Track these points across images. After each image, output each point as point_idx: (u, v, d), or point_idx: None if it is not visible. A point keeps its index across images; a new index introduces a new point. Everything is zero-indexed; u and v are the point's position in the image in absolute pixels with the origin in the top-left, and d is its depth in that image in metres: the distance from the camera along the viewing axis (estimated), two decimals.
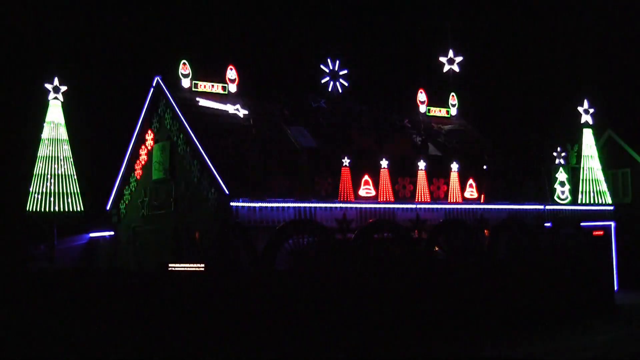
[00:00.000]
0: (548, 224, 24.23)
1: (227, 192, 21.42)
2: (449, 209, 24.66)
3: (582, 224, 24.72)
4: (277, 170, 22.41)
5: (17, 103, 39.36)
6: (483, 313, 20.22)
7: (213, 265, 19.05)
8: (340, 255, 19.00)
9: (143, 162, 26.60)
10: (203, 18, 44.61)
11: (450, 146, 28.35)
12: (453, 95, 31.15)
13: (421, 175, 24.46)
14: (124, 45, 42.74)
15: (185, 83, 25.04)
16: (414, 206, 23.79)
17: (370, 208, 22.92)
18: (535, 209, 26.50)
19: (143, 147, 26.60)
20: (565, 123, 32.83)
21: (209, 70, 25.86)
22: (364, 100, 28.92)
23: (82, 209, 28.56)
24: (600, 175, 29.71)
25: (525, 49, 47.22)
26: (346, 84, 27.85)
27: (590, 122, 29.85)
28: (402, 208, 23.57)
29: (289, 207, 21.44)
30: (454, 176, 25.11)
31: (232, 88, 25.79)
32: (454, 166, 25.09)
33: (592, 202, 28.94)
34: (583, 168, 29.30)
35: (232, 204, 20.74)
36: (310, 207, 21.84)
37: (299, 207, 21.64)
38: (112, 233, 28.01)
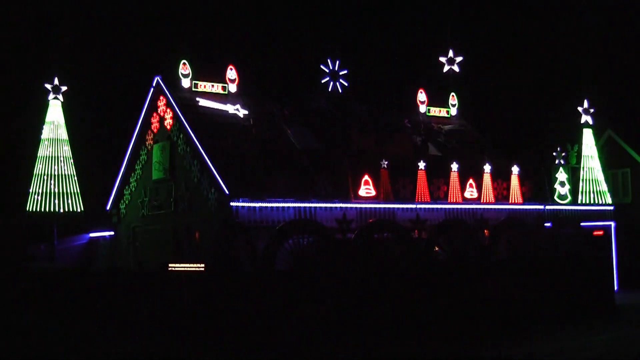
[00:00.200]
0: (548, 224, 24.25)
1: (227, 192, 21.42)
2: (449, 209, 24.65)
3: (582, 224, 24.75)
4: (277, 170, 22.40)
5: (17, 103, 39.37)
6: (483, 313, 20.22)
7: (213, 265, 19.05)
8: (340, 255, 19.01)
9: (143, 162, 26.60)
10: (203, 18, 44.60)
11: (450, 146, 28.35)
12: (453, 95, 31.15)
13: (421, 175, 24.46)
14: (124, 45, 42.76)
15: (185, 83, 25.04)
16: (414, 206, 23.80)
17: (370, 208, 22.92)
18: (535, 209, 26.50)
19: (143, 147, 26.60)
20: (565, 123, 32.85)
21: (209, 70, 25.86)
22: (364, 100, 28.92)
23: (82, 209, 28.57)
24: (600, 175, 29.71)
25: (525, 49, 47.23)
26: (346, 84, 27.85)
27: (590, 122, 29.85)
28: (402, 208, 23.57)
29: (289, 207, 21.44)
30: (454, 176, 25.12)
31: (232, 88, 25.79)
32: (454, 166, 25.09)
33: (592, 202, 28.95)
34: (583, 168, 29.31)
35: (232, 204, 20.74)
36: (310, 207, 21.84)
37: (299, 207, 21.64)
38: (112, 233, 28.01)
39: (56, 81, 28.74)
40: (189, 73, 25.13)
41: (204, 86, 25.38)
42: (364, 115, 27.83)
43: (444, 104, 30.97)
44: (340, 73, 27.84)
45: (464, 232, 21.43)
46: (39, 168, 28.33)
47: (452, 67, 30.75)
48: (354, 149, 25.05)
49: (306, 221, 20.88)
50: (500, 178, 26.69)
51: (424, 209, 24.00)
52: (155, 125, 26.02)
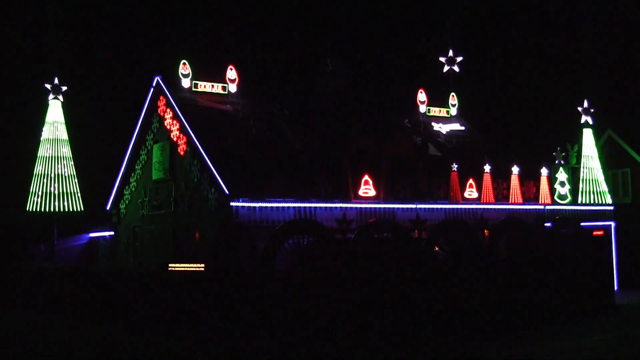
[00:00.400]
0: (548, 224, 24.24)
1: (227, 192, 21.43)
2: (449, 209, 24.66)
3: (582, 224, 24.74)
4: (277, 170, 22.40)
5: (17, 103, 39.38)
6: (483, 313, 20.22)
7: (213, 265, 19.05)
8: (340, 255, 19.00)
9: (143, 162, 26.60)
10: (203, 18, 44.60)
11: (450, 146, 28.35)
12: (453, 95, 31.16)
13: (422, 175, 24.45)
14: (124, 45, 42.76)
15: (185, 83, 25.04)
16: (414, 206, 23.80)
17: (370, 208, 22.92)
18: (535, 209, 26.50)
19: (143, 147, 26.60)
20: (565, 123, 32.86)
21: (209, 70, 25.86)
22: (364, 100, 28.91)
23: (82, 209, 28.55)
24: (600, 175, 29.71)
25: (525, 49, 47.23)
26: (346, 84, 27.84)
27: (590, 122, 29.86)
28: (402, 208, 23.57)
29: (289, 207, 21.45)
30: (454, 176, 25.12)
31: (232, 88, 25.79)
32: (454, 166, 25.10)
33: (592, 202, 28.95)
34: (583, 168, 29.32)
35: (232, 204, 20.75)
36: (310, 207, 21.84)
37: (299, 207, 21.65)
38: (112, 233, 28.01)
39: (56, 81, 28.72)
40: (189, 73, 25.13)
41: (204, 86, 25.38)
42: (364, 115, 27.83)
43: (444, 104, 30.97)
44: (341, 73, 27.84)
45: (464, 232, 21.42)
46: (39, 168, 28.30)
47: (452, 67, 30.75)
48: (354, 149, 25.04)
49: (306, 221, 20.88)
50: (500, 178, 26.70)
51: (424, 209, 24.00)
52: (155, 125, 26.02)
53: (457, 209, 24.82)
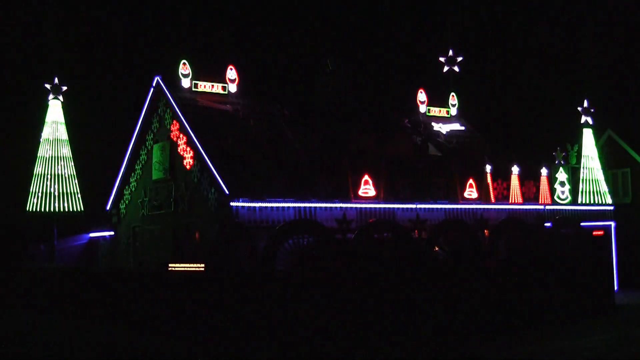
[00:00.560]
0: (548, 224, 24.24)
1: (227, 192, 21.42)
2: (449, 209, 24.65)
3: (582, 224, 24.73)
4: (277, 170, 22.40)
5: (17, 103, 39.38)
6: (483, 313, 20.22)
7: (213, 265, 19.05)
8: (340, 255, 19.00)
9: (143, 162, 26.60)
10: (203, 18, 44.59)
11: (450, 146, 28.35)
12: (453, 95, 31.15)
13: (422, 175, 24.45)
14: (124, 45, 42.76)
15: (185, 83, 25.03)
16: (414, 206, 23.79)
17: (370, 208, 22.92)
18: (535, 209, 26.50)
19: (143, 147, 26.60)
20: (565, 123, 32.85)
21: (209, 70, 25.85)
22: (364, 100, 28.92)
23: (82, 209, 28.55)
24: (600, 175, 29.71)
25: (525, 49, 47.23)
26: (346, 84, 27.84)
27: (590, 122, 29.86)
28: (402, 208, 23.57)
29: (289, 207, 21.45)
30: (454, 176, 25.11)
31: (232, 88, 25.79)
32: (455, 166, 25.09)
33: (592, 202, 28.95)
34: (583, 168, 29.32)
35: (232, 204, 20.75)
36: (310, 207, 21.84)
37: (299, 207, 21.65)
38: (112, 233, 28.01)
39: (56, 81, 28.72)
40: (189, 73, 25.13)
41: (204, 86, 25.38)
42: (364, 115, 27.82)
43: (444, 104, 30.97)
44: (341, 73, 27.85)
45: (464, 232, 21.42)
46: (39, 168, 28.31)
47: (452, 67, 30.75)
48: (354, 149, 25.04)
49: (306, 221, 20.88)
50: (500, 178, 26.69)
51: (424, 209, 24.00)
52: (155, 125, 26.02)
53: (457, 209, 24.82)
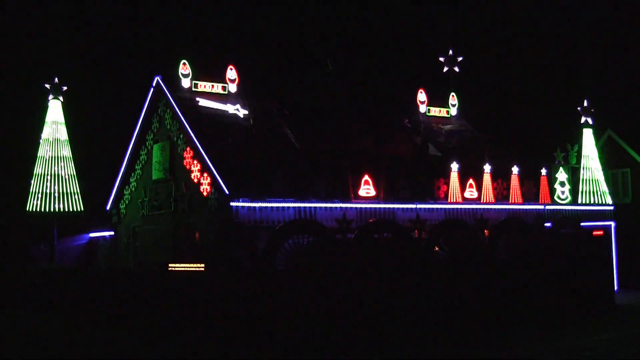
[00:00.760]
0: (548, 224, 24.23)
1: (227, 192, 21.42)
2: (449, 209, 24.65)
3: (582, 224, 24.73)
4: (277, 170, 22.40)
5: (17, 103, 39.34)
6: (483, 313, 20.22)
7: (213, 265, 19.05)
8: (340, 255, 19.00)
9: (143, 162, 26.60)
10: (203, 18, 44.58)
11: (450, 146, 28.34)
12: (453, 95, 31.14)
13: (421, 175, 24.44)
14: (124, 45, 42.73)
15: (185, 83, 25.03)
16: (414, 206, 23.79)
17: (370, 208, 22.92)
18: (535, 209, 26.50)
19: (143, 147, 26.59)
20: (565, 123, 32.84)
21: (209, 70, 25.83)
22: (364, 100, 28.89)
23: (82, 209, 28.55)
24: (600, 175, 29.71)
25: (526, 49, 47.21)
26: (346, 84, 27.84)
27: (590, 122, 29.85)
28: (402, 208, 23.57)
29: (289, 207, 21.44)
30: (454, 176, 25.12)
31: (232, 88, 25.78)
32: (454, 166, 25.09)
33: (592, 202, 28.95)
34: (583, 168, 29.31)
35: (232, 204, 20.74)
36: (310, 207, 21.84)
37: (299, 207, 21.64)
38: (112, 233, 28.00)
39: (56, 81, 28.72)
40: (189, 73, 25.12)
41: (204, 86, 25.37)
42: (364, 115, 27.82)
43: (444, 104, 30.96)
44: (341, 73, 27.86)
45: (464, 232, 21.42)
46: (39, 168, 28.31)
47: (452, 67, 30.74)
48: (354, 149, 25.03)
49: (306, 221, 20.88)
50: (500, 178, 26.69)
51: (424, 209, 24.00)
52: (155, 125, 26.01)
53: (457, 209, 24.82)
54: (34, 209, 27.85)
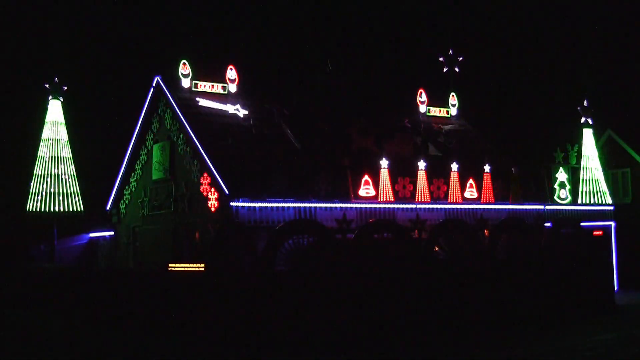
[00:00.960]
0: (548, 224, 24.24)
1: (227, 192, 21.42)
2: (449, 209, 24.65)
3: (582, 224, 24.73)
4: (277, 170, 22.40)
5: (17, 103, 39.35)
6: (483, 313, 20.23)
7: (213, 265, 19.05)
8: (340, 255, 19.00)
9: (143, 162, 26.60)
10: (203, 18, 44.59)
11: (450, 146, 28.34)
12: (453, 95, 31.14)
13: (421, 175, 24.45)
14: (124, 44, 42.73)
15: (185, 83, 25.02)
16: (414, 206, 23.79)
17: (370, 208, 22.92)
18: (535, 209, 26.49)
19: (143, 147, 26.59)
20: (565, 123, 32.84)
21: (209, 70, 25.83)
22: (364, 100, 28.89)
23: (82, 209, 28.55)
24: (600, 175, 29.72)
25: (526, 49, 47.22)
26: (346, 84, 27.83)
27: (590, 122, 29.85)
28: (402, 208, 23.57)
29: (289, 207, 21.44)
30: (454, 176, 25.11)
31: (232, 88, 25.78)
32: (454, 166, 25.09)
33: (592, 202, 28.95)
34: (583, 168, 29.32)
35: (232, 204, 20.74)
36: (310, 207, 21.84)
37: (299, 207, 21.64)
38: (112, 233, 28.00)
39: (56, 81, 28.72)
40: (189, 73, 25.12)
41: (204, 86, 25.37)
42: (364, 115, 27.82)
43: (444, 104, 30.96)
44: (341, 73, 27.84)
45: (464, 232, 21.42)
46: (39, 168, 28.31)
47: (452, 67, 30.72)
48: (354, 149, 25.03)
49: (306, 221, 20.87)
50: (500, 178, 26.67)
51: (424, 209, 24.00)
52: (155, 125, 26.01)
53: (457, 209, 24.82)
54: (34, 209, 27.85)
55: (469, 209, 24.99)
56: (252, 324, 17.49)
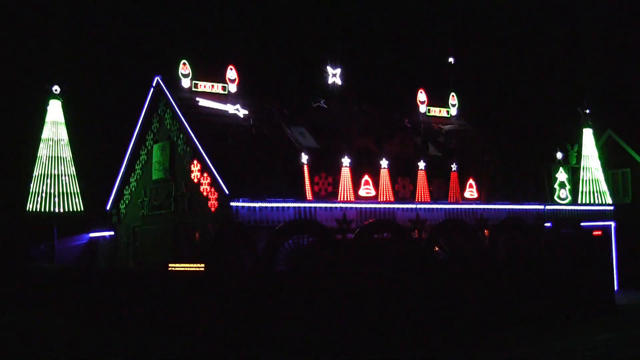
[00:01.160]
0: (548, 224, 24.24)
1: (227, 192, 21.42)
2: (449, 209, 24.65)
3: (582, 224, 24.74)
4: (277, 170, 22.39)
5: (17, 103, 39.36)
6: (483, 313, 20.22)
7: (213, 265, 19.05)
8: (340, 255, 19.00)
9: (143, 162, 26.60)
10: (203, 18, 44.61)
11: (450, 146, 28.35)
12: (453, 95, 31.15)
13: (421, 175, 24.45)
14: (124, 45, 42.74)
15: (185, 83, 25.02)
16: (414, 206, 23.79)
17: (370, 208, 22.91)
18: (535, 209, 26.50)
19: (143, 147, 26.59)
20: (565, 123, 32.85)
21: (209, 70, 25.83)
22: (364, 100, 28.91)
23: (82, 209, 28.55)
24: (600, 175, 29.72)
25: (526, 49, 47.23)
26: (347, 84, 27.83)
27: (590, 122, 29.85)
28: (402, 208, 23.57)
29: (289, 207, 21.44)
30: (454, 176, 25.11)
31: (232, 88, 25.77)
32: (454, 166, 25.09)
33: (592, 202, 28.95)
34: (583, 168, 29.32)
35: (232, 204, 20.74)
36: (310, 207, 21.84)
37: (299, 207, 21.64)
38: (112, 233, 28.01)
39: (56, 81, 28.71)
40: (189, 73, 25.11)
41: (204, 86, 25.37)
42: (364, 115, 27.82)
43: (444, 104, 30.97)
44: (341, 73, 27.83)
45: (464, 232, 21.42)
46: (39, 168, 28.31)
47: (452, 67, 30.72)
48: (354, 149, 25.03)
49: (306, 221, 20.87)
50: (500, 178, 26.66)
51: (424, 209, 23.99)
52: (155, 125, 26.01)
53: (457, 209, 24.82)
54: (34, 209, 27.85)
55: (469, 209, 25.00)
56: (252, 324, 17.49)
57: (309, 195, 22.39)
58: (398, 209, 23.47)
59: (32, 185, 28.17)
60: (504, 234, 22.19)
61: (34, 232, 30.02)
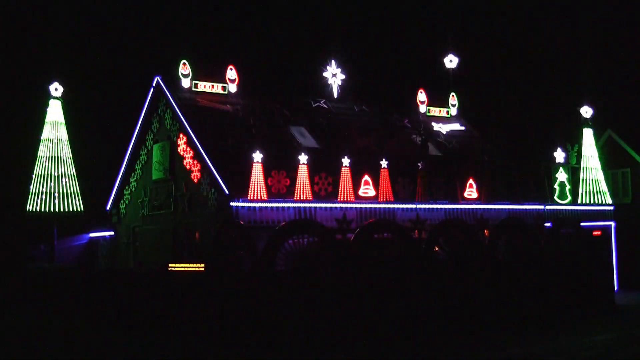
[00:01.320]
0: (548, 224, 24.25)
1: (227, 192, 21.43)
2: (449, 209, 24.65)
3: (582, 224, 24.74)
4: (277, 170, 22.39)
5: (17, 103, 39.36)
6: (483, 313, 20.23)
7: (213, 265, 19.05)
8: (340, 255, 19.00)
9: (143, 162, 26.60)
10: (203, 18, 44.60)
11: (450, 146, 28.35)
12: (453, 95, 31.15)
13: (421, 175, 24.43)
14: (124, 45, 42.74)
15: (185, 83, 25.02)
16: (414, 206, 23.79)
17: (370, 208, 22.91)
18: (535, 209, 26.50)
19: (143, 147, 26.59)
20: (565, 123, 32.85)
21: (209, 70, 25.84)
22: (364, 100, 28.91)
23: (82, 209, 28.55)
24: (600, 175, 29.71)
25: (526, 49, 47.21)
26: (346, 84, 27.84)
27: (590, 122, 29.85)
28: (402, 208, 23.56)
29: (289, 207, 21.44)
30: (453, 176, 25.09)
31: (232, 88, 25.78)
32: (453, 166, 25.07)
33: (592, 202, 28.95)
34: (583, 168, 29.31)
35: (232, 204, 20.75)
36: (310, 207, 21.84)
37: (299, 207, 21.64)
38: (112, 233, 28.01)
39: (56, 81, 28.72)
40: (189, 73, 25.11)
41: (204, 86, 25.37)
42: (364, 115, 27.82)
43: (444, 104, 30.97)
44: (341, 73, 27.84)
45: (464, 232, 21.42)
46: (39, 168, 28.31)
47: (452, 67, 30.72)
48: (354, 149, 25.03)
49: (306, 221, 20.87)
50: (499, 178, 26.65)
51: (424, 209, 23.99)
52: (155, 125, 26.02)
53: (457, 209, 24.81)
54: (34, 209, 27.85)
55: (469, 209, 24.99)
56: (252, 324, 17.49)
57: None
58: (398, 209, 23.47)
59: (32, 185, 28.17)
60: (504, 234, 22.20)
61: (34, 232, 30.04)
